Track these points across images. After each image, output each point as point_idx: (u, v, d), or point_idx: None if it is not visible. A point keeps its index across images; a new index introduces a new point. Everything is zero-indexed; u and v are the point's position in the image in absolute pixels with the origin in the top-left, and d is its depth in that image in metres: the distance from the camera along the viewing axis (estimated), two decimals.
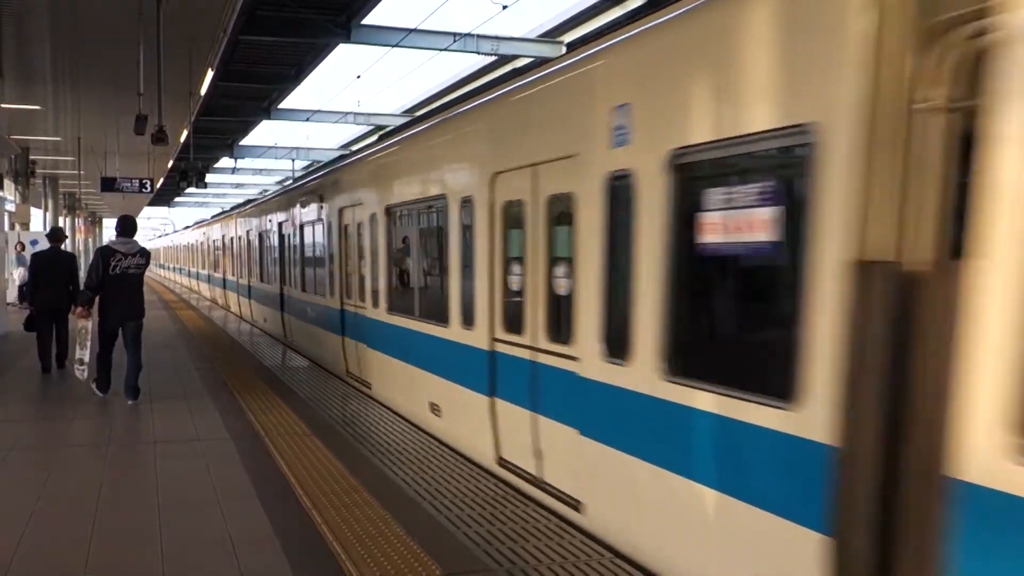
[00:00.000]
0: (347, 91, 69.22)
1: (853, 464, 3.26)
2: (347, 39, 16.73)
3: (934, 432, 2.95)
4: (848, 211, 3.28)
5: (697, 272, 4.30)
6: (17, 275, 22.19)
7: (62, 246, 12.19)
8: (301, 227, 14.23)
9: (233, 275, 23.40)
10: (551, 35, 17.88)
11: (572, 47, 6.03)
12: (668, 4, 4.56)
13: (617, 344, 4.82)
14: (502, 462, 6.54)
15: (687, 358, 4.27)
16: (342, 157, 16.02)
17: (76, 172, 26.96)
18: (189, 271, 38.58)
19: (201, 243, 32.34)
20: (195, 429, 7.85)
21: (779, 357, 3.61)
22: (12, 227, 24.34)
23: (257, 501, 5.65)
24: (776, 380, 3.61)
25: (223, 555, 4.69)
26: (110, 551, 4.77)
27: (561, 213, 5.60)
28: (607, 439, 4.94)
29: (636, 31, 4.88)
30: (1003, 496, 2.59)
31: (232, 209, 28.49)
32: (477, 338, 6.83)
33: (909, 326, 3.11)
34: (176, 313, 22.19)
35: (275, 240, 16.69)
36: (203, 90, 15.99)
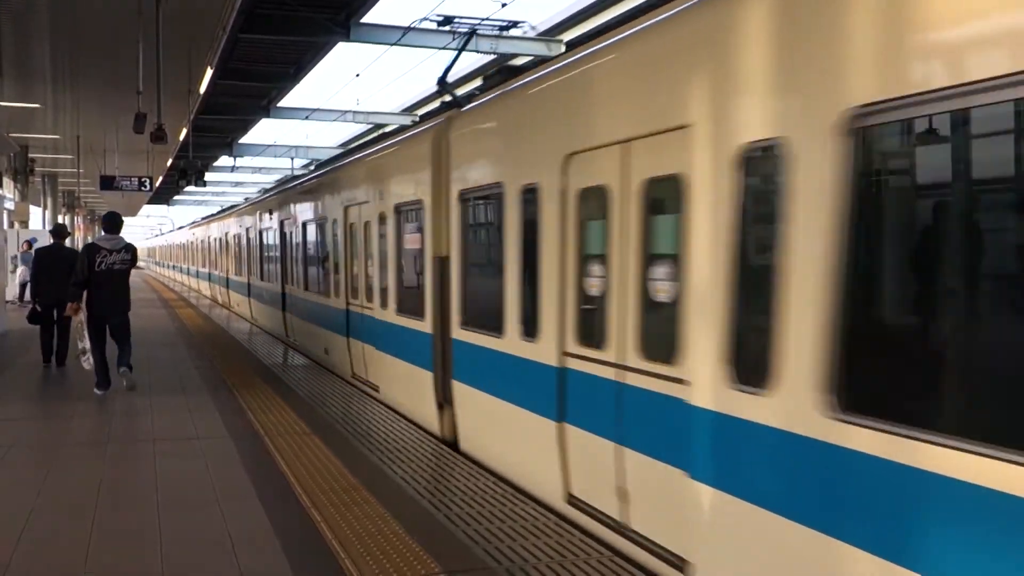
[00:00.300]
0: (346, 89, 69.30)
1: (434, 339, 7.91)
2: (346, 37, 16.71)
3: (449, 322, 7.54)
4: (433, 236, 7.87)
5: (404, 260, 8.91)
6: (20, 273, 22.18)
7: (64, 242, 12.29)
8: (260, 232, 18.76)
9: (217, 270, 27.75)
10: (550, 34, 17.88)
11: (571, 46, 6.86)
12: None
13: (383, 301, 9.57)
14: (354, 375, 11.04)
15: (400, 305, 8.96)
16: (287, 181, 21.81)
17: (75, 170, 26.93)
18: (180, 267, 44.00)
19: (190, 243, 36.99)
20: (194, 427, 7.86)
21: (420, 299, 8.25)
22: (11, 225, 24.34)
23: (256, 500, 5.66)
24: (419, 309, 8.28)
25: (222, 554, 4.70)
26: (109, 550, 4.78)
27: (369, 231, 10.29)
28: (381, 348, 9.64)
29: (382, 146, 10.37)
30: (459, 341, 7.30)
31: (210, 216, 34.12)
32: (340, 303, 11.54)
33: (444, 278, 7.66)
34: (175, 312, 22.20)
35: (244, 242, 21.23)
36: (202, 88, 15.99)
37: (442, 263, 7.71)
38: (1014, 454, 2.69)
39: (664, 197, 4.62)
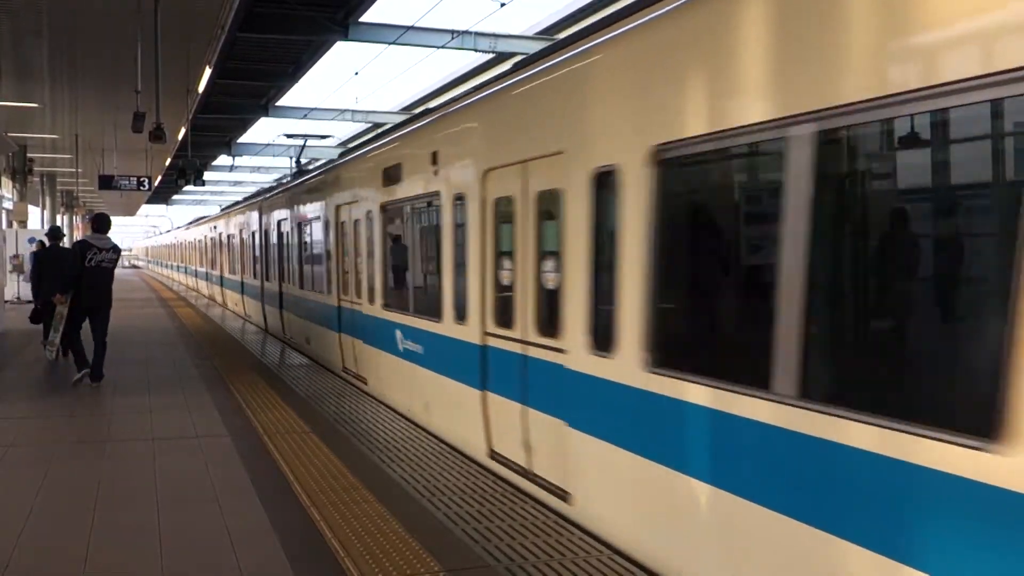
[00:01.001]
0: (345, 88, 69.25)
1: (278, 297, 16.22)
2: (345, 36, 16.72)
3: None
4: (260, 248, 18.50)
5: (256, 259, 18.82)
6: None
7: (60, 243, 12.40)
8: (219, 237, 24.98)
9: (194, 265, 34.22)
10: (548, 32, 17.89)
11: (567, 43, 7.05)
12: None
13: (280, 278, 15.95)
14: (283, 336, 15.64)
15: (283, 278, 15.55)
16: (235, 203, 28.20)
17: (74, 170, 26.91)
18: (166, 263, 52.63)
19: (176, 244, 44.87)
20: (194, 427, 7.87)
21: (276, 277, 16.38)
22: (10, 225, 24.31)
23: (256, 498, 5.66)
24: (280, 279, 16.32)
25: (222, 552, 4.70)
26: (109, 548, 4.78)
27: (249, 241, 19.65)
28: (306, 317, 13.72)
29: (246, 202, 21.97)
30: (284, 293, 16.02)
31: (191, 223, 40.35)
32: (273, 287, 16.58)
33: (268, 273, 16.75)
34: (175, 311, 22.20)
35: (214, 244, 26.85)
36: (201, 87, 15.98)
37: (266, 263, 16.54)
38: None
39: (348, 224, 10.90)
